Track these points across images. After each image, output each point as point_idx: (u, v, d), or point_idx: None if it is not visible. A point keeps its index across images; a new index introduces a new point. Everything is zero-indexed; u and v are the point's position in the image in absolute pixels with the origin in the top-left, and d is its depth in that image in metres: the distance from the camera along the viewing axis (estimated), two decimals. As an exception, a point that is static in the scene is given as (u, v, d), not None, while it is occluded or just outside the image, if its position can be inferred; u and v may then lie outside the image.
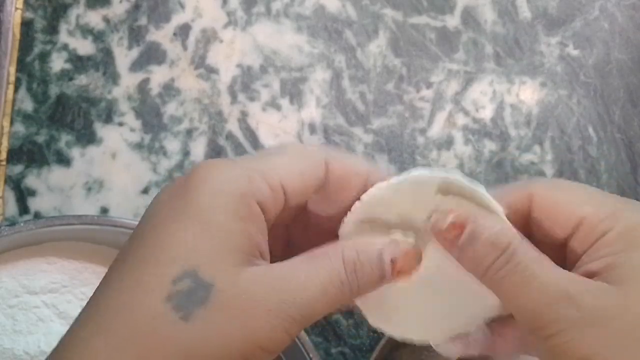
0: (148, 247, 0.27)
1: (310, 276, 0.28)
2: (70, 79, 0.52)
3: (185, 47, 0.52)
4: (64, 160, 0.51)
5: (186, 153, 0.51)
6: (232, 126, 0.51)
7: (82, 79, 0.52)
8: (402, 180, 0.31)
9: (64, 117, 0.51)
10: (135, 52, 0.52)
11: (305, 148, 0.32)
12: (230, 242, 0.27)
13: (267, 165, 0.29)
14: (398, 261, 0.30)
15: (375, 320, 0.33)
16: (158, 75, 0.52)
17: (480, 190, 0.30)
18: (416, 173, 0.31)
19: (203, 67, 0.52)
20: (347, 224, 0.32)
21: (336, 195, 0.32)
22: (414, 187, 0.31)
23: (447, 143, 0.51)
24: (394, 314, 0.33)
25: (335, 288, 0.28)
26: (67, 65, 0.52)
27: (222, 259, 0.26)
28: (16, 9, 0.52)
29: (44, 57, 0.52)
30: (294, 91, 0.51)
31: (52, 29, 0.52)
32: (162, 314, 0.26)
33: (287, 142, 0.30)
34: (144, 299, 0.26)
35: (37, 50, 0.52)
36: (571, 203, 0.30)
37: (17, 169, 0.50)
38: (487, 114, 0.51)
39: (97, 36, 0.52)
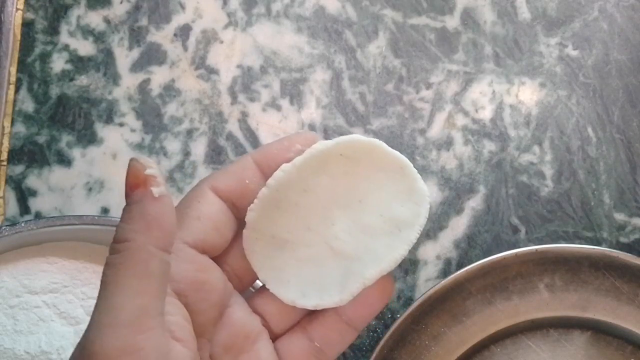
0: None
1: None
2: (71, 79, 0.52)
3: (185, 48, 0.52)
4: (64, 161, 0.51)
5: (187, 153, 0.51)
6: (233, 127, 0.51)
7: (82, 80, 0.52)
8: (305, 156, 0.32)
9: (64, 118, 0.51)
10: (135, 53, 0.52)
11: (191, 203, 0.32)
12: None
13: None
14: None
15: (269, 282, 0.33)
16: (158, 76, 0.52)
17: (379, 143, 0.32)
18: (316, 145, 0.32)
19: (203, 68, 0.52)
20: (253, 211, 0.32)
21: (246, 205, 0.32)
22: (319, 160, 0.32)
23: (446, 143, 0.51)
24: (288, 278, 0.33)
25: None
26: (68, 66, 0.52)
27: None
28: (17, 9, 0.52)
29: (44, 57, 0.52)
30: (294, 92, 0.52)
31: (52, 30, 0.52)
32: None
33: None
34: None
35: (37, 50, 0.52)
36: None
37: (18, 169, 0.50)
38: (486, 114, 0.51)
39: (98, 37, 0.52)
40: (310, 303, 0.32)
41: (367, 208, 0.33)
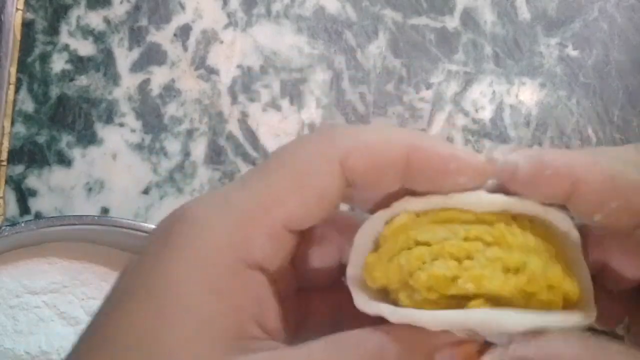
0: (98, 334, 0.22)
1: None
2: (71, 79, 0.52)
3: (185, 48, 0.52)
4: (64, 161, 0.51)
5: (187, 154, 0.51)
6: (233, 127, 0.51)
7: (82, 80, 0.52)
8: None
9: (64, 118, 0.51)
10: (135, 53, 0.52)
11: (315, 145, 0.24)
12: (208, 329, 0.21)
13: (268, 196, 0.23)
14: None
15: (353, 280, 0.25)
16: (158, 76, 0.52)
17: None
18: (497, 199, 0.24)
19: (203, 68, 0.52)
20: (408, 203, 0.24)
21: (365, 196, 0.25)
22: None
23: (446, 144, 0.51)
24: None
25: None
26: (68, 66, 0.52)
27: (197, 353, 0.21)
28: (17, 9, 0.52)
29: (44, 57, 0.52)
30: (294, 92, 0.52)
31: (52, 30, 0.52)
32: None
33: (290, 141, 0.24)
34: None
35: (37, 51, 0.52)
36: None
37: (18, 169, 0.50)
38: (486, 114, 0.51)
39: (98, 37, 0.52)
40: (372, 309, 0.24)
41: None
